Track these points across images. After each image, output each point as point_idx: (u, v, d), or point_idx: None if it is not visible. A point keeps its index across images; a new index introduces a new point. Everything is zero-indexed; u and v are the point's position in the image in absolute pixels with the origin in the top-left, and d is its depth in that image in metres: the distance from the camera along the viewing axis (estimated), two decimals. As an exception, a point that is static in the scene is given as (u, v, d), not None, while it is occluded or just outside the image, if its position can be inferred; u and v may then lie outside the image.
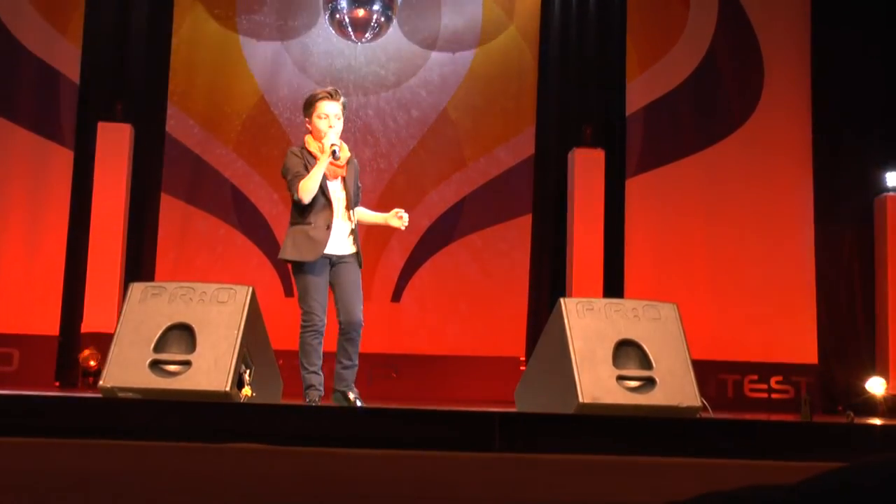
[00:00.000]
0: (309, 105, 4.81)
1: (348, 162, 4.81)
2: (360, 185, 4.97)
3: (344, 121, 4.86)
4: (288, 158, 4.77)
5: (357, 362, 4.72)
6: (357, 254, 4.77)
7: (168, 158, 8.63)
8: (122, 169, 8.15)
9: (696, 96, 9.10)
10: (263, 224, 8.69)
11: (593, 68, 8.92)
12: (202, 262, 8.58)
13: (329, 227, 4.67)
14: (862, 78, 8.87)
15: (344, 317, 4.71)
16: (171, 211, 8.59)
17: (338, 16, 8.35)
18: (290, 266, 4.87)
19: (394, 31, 8.77)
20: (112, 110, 8.22)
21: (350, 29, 8.36)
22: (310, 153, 4.72)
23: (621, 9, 8.98)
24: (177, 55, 8.77)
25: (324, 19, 8.72)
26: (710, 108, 9.13)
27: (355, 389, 4.70)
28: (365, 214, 4.97)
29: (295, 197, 4.68)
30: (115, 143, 8.15)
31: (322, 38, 8.94)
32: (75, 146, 8.43)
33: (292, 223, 4.75)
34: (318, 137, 4.73)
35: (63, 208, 8.35)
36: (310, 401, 4.58)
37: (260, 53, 8.94)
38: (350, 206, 4.77)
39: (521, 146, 8.99)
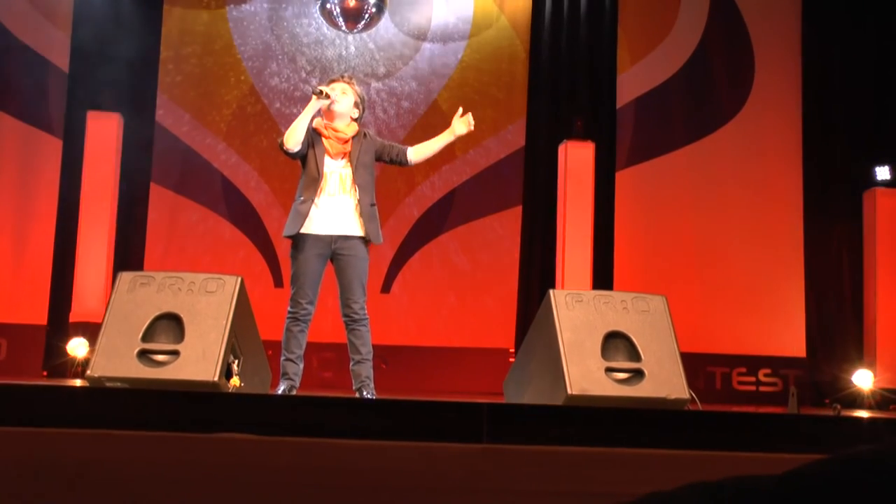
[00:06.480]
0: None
1: (355, 137, 4.77)
2: (389, 143, 4.90)
3: (362, 109, 4.89)
4: None
5: (367, 356, 4.66)
6: (362, 238, 4.68)
7: (157, 148, 8.59)
8: (111, 158, 8.11)
9: (687, 89, 9.11)
10: (253, 214, 8.67)
11: (584, 61, 8.91)
12: (191, 251, 8.56)
13: (313, 201, 4.65)
14: (852, 72, 8.89)
15: (342, 309, 4.71)
16: (161, 201, 8.56)
17: (328, 6, 8.33)
18: None
19: (384, 21, 8.74)
20: (101, 99, 8.18)
21: (341, 19, 8.33)
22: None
23: (612, 1, 8.98)
24: (167, 44, 8.74)
25: (314, 9, 8.69)
26: (700, 101, 9.14)
27: (371, 386, 4.63)
28: (427, 147, 4.86)
29: (278, 140, 4.74)
30: (104, 133, 8.10)
31: (313, 28, 8.92)
32: (64, 135, 8.38)
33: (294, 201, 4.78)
34: None
35: (52, 197, 8.31)
36: (281, 390, 4.56)
37: (250, 43, 8.91)
38: (358, 182, 4.70)
39: (512, 138, 8.98)
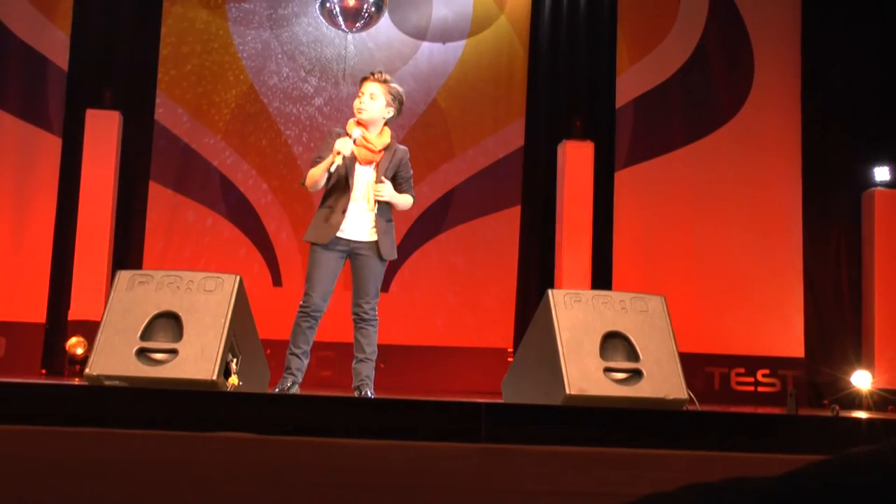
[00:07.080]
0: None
1: (386, 148, 4.72)
2: (409, 177, 4.79)
3: (397, 107, 4.76)
4: (324, 138, 4.79)
5: (371, 356, 4.66)
6: (377, 243, 4.64)
7: (156, 146, 8.59)
8: (110, 156, 8.12)
9: (686, 89, 9.10)
10: (252, 213, 8.66)
11: (583, 60, 8.92)
12: (190, 250, 8.56)
13: (344, 212, 4.62)
14: (851, 73, 8.89)
15: (353, 307, 4.71)
16: (160, 199, 8.56)
17: (328, 5, 8.32)
18: None
19: (384, 20, 8.73)
20: (100, 97, 8.18)
21: (340, 18, 8.32)
22: (346, 133, 4.69)
23: (612, 1, 8.99)
24: (166, 42, 8.74)
25: (314, 8, 8.69)
26: (699, 101, 9.13)
27: (370, 385, 4.62)
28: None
29: (300, 181, 4.74)
30: (103, 131, 8.11)
31: (312, 27, 8.91)
32: (63, 133, 8.39)
33: (319, 205, 4.74)
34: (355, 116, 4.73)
35: (51, 196, 8.32)
36: (280, 387, 4.55)
37: (249, 42, 8.90)
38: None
39: (511, 137, 8.98)
